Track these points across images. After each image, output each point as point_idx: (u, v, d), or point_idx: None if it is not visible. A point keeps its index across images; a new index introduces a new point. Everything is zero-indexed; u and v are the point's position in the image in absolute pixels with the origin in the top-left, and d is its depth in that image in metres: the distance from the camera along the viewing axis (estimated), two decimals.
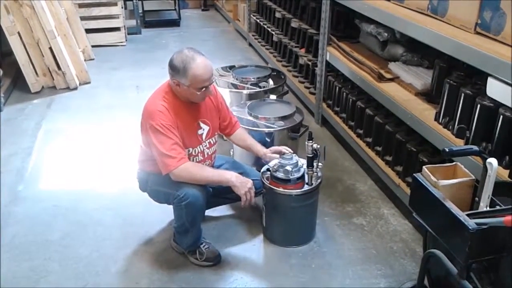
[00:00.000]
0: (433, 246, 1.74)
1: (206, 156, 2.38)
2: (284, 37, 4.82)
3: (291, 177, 2.34)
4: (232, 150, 3.20)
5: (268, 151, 2.54)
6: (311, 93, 4.08)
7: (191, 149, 2.30)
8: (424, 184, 1.65)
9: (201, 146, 2.35)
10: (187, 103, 2.27)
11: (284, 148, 2.52)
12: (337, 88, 3.52)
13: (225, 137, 2.73)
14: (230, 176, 2.24)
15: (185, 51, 2.17)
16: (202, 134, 2.35)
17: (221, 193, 2.44)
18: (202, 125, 2.35)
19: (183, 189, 2.15)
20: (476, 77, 2.19)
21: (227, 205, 2.77)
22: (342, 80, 3.54)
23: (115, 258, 2.42)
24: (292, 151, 2.51)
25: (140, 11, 7.19)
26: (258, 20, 5.68)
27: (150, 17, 7.42)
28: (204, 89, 2.19)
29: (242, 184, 2.23)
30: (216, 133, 2.45)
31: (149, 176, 2.35)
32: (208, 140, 2.39)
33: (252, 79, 3.49)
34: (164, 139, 2.14)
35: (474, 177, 1.69)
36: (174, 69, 2.16)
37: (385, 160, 2.88)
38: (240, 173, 2.49)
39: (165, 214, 2.59)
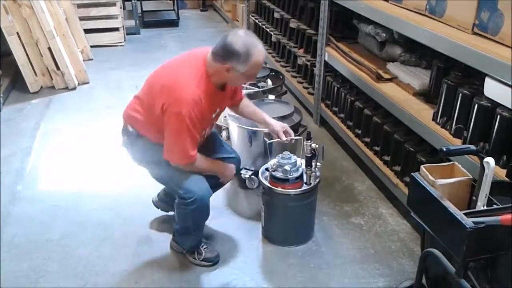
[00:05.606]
0: (431, 245, 1.75)
1: (210, 128, 2.32)
2: (283, 38, 4.83)
3: (289, 176, 2.35)
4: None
5: (276, 124, 2.42)
6: (309, 93, 4.09)
7: (203, 130, 2.19)
8: (422, 183, 1.65)
9: (210, 124, 2.27)
10: (217, 88, 2.09)
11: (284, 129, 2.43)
12: (336, 88, 3.53)
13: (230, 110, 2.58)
14: (224, 169, 2.30)
15: (243, 34, 1.96)
16: (214, 116, 2.25)
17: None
18: (217, 109, 2.24)
19: (192, 193, 2.08)
20: (473, 77, 2.20)
21: (226, 205, 2.78)
22: (340, 81, 3.55)
23: (114, 258, 2.43)
24: (293, 136, 2.48)
25: (139, 11, 7.20)
26: (256, 21, 5.68)
27: (148, 18, 7.42)
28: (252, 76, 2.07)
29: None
30: None
31: (154, 152, 2.13)
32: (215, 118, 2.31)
33: None
34: (187, 133, 1.98)
35: (471, 177, 1.70)
36: (233, 53, 1.93)
37: (384, 160, 2.89)
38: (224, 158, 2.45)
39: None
